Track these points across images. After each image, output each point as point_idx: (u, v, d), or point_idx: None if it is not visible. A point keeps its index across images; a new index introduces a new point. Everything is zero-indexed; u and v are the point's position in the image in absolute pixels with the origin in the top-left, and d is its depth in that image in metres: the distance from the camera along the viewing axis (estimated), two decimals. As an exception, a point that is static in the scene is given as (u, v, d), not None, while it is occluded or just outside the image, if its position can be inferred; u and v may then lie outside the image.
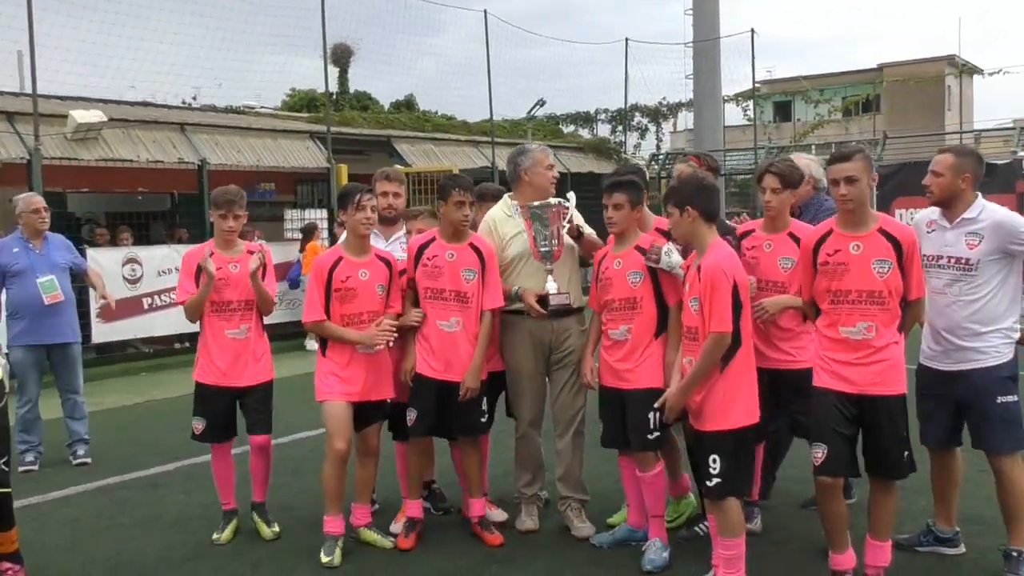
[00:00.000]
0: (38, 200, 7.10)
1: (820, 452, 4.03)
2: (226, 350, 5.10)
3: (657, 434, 4.50)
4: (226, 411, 5.17)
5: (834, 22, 80.00)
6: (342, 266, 4.83)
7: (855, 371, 4.01)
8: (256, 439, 5.19)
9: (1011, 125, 22.31)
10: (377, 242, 5.17)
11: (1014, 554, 4.28)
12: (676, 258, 4.36)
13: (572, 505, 5.10)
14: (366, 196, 4.83)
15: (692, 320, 4.07)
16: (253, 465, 5.25)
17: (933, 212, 4.46)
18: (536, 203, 4.79)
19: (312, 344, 11.24)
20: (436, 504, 5.50)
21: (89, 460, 7.02)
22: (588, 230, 5.04)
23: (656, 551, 4.55)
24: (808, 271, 4.22)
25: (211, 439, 5.18)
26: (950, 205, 4.34)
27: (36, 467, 6.88)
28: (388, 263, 4.94)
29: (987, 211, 4.32)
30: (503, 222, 5.08)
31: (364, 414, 4.90)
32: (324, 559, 4.73)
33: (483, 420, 5.01)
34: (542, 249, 4.77)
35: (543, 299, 4.81)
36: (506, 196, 5.22)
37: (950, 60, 38.24)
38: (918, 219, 4.56)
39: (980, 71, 37.29)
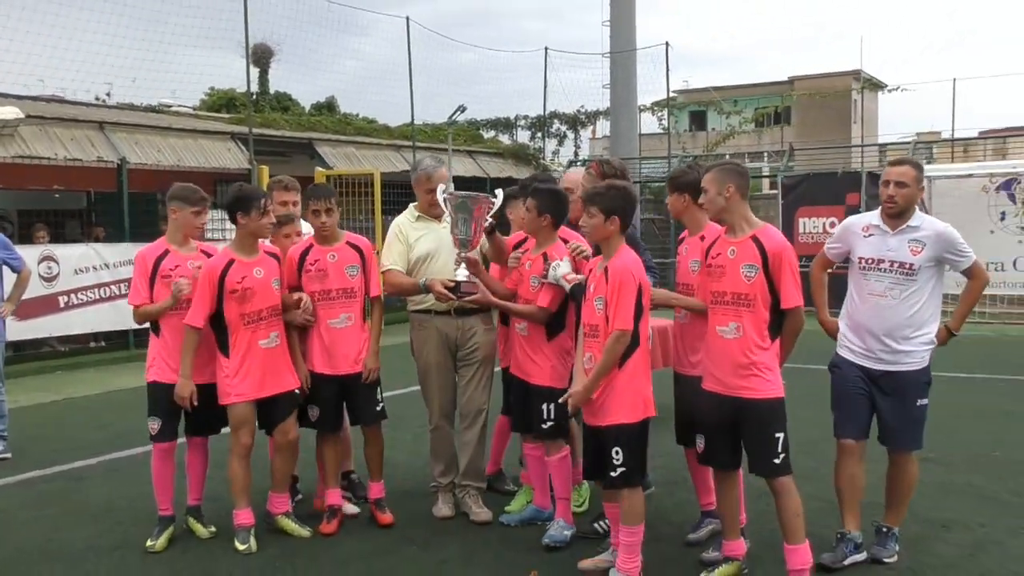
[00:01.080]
0: None
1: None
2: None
3: (552, 424, 4.87)
4: (178, 409, 5.11)
5: (748, 36, 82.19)
6: (235, 268, 4.94)
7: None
8: (198, 439, 5.25)
9: (913, 139, 23.50)
10: None
11: (884, 530, 4.71)
12: (562, 270, 4.71)
13: (471, 492, 5.46)
14: (268, 201, 5.09)
15: (594, 319, 4.32)
16: (191, 465, 5.26)
17: (871, 217, 4.72)
18: (464, 193, 5.05)
19: None
20: (356, 493, 5.78)
21: (9, 455, 7.09)
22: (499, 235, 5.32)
23: (558, 528, 4.94)
24: None
25: (166, 438, 5.12)
26: (904, 215, 4.59)
27: (-44, 462, 6.94)
28: (276, 257, 5.17)
29: (927, 221, 4.63)
30: (408, 227, 5.38)
31: (273, 409, 5.07)
32: (241, 547, 4.94)
33: (379, 409, 5.33)
34: (461, 236, 4.98)
35: (454, 286, 5.04)
36: (411, 205, 5.50)
37: (856, 75, 39.82)
38: (850, 223, 4.84)
39: (884, 86, 38.91)
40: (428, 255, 5.29)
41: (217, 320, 4.96)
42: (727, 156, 27.97)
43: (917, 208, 4.67)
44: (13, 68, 13.70)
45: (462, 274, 5.01)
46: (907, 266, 4.55)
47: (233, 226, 5.09)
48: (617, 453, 4.24)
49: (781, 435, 4.22)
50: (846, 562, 4.57)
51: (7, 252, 7.38)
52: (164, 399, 5.02)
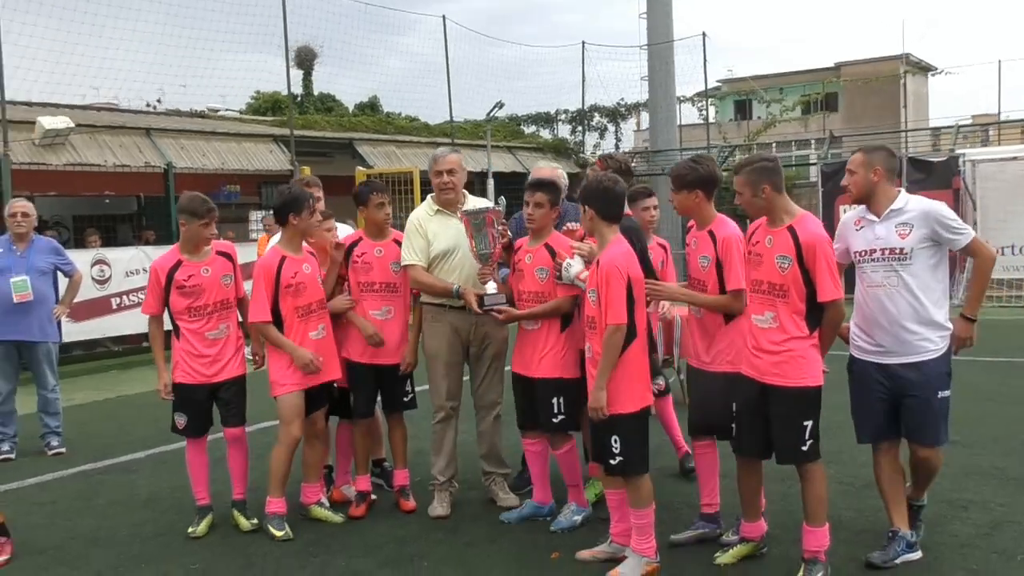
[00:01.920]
0: (18, 205, 7.49)
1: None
2: (207, 350, 5.29)
3: (563, 417, 4.97)
4: (204, 406, 5.36)
5: (792, 24, 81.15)
6: (288, 264, 5.19)
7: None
8: (232, 431, 5.42)
9: (967, 122, 23.10)
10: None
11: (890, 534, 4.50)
12: (575, 270, 4.75)
13: (496, 479, 5.62)
14: (315, 200, 5.35)
15: (591, 310, 4.40)
16: (232, 460, 5.44)
17: (861, 210, 4.59)
18: (472, 209, 5.19)
19: None
20: (388, 481, 5.97)
21: (63, 450, 7.43)
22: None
23: (569, 513, 5.10)
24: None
25: (194, 433, 5.36)
26: (871, 200, 4.49)
27: (12, 456, 7.30)
28: (314, 254, 5.43)
29: (913, 202, 4.45)
30: (426, 221, 5.46)
31: (312, 399, 5.31)
32: (278, 534, 5.14)
33: (408, 399, 5.61)
34: (481, 252, 5.13)
35: (480, 298, 5.17)
36: (429, 197, 5.61)
37: (905, 59, 39.16)
38: (845, 219, 4.75)
39: (933, 69, 38.25)
40: (447, 252, 5.38)
41: (272, 316, 5.20)
42: (772, 145, 27.79)
43: (902, 190, 4.54)
44: (63, 79, 14.19)
45: (492, 287, 5.15)
46: (898, 251, 4.40)
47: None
48: (615, 442, 4.32)
49: (810, 423, 4.22)
50: (898, 561, 4.42)
51: (59, 257, 7.73)
52: (189, 398, 5.30)
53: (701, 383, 4.82)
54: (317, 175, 15.40)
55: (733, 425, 4.51)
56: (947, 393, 4.42)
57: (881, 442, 4.54)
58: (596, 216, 4.44)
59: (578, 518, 5.10)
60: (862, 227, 4.56)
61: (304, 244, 5.40)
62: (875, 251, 4.48)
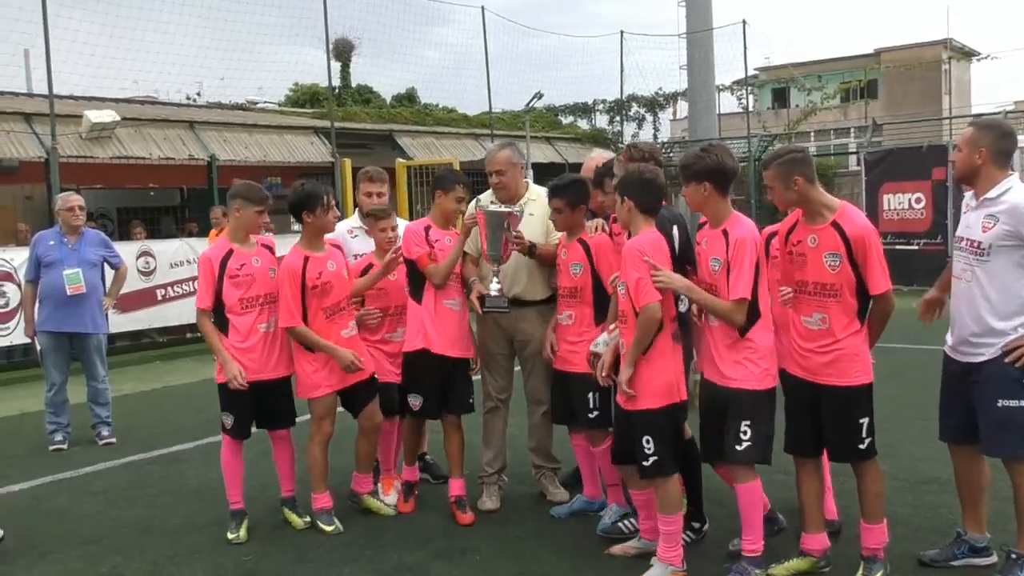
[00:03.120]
0: (74, 199, 7.60)
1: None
2: (257, 345, 5.13)
3: (597, 413, 4.85)
4: (252, 406, 5.21)
5: (830, 9, 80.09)
6: (312, 264, 5.07)
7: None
8: (280, 432, 5.36)
9: (1011, 108, 22.62)
10: (363, 242, 5.67)
11: (1013, 556, 4.14)
12: (602, 343, 4.59)
13: (546, 474, 5.59)
14: (332, 197, 5.22)
15: (623, 304, 4.28)
16: (278, 457, 5.38)
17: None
18: (491, 208, 5.07)
19: None
20: (434, 473, 5.96)
21: (114, 440, 7.53)
22: (546, 241, 5.30)
23: (611, 515, 4.98)
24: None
25: (238, 434, 5.23)
26: (972, 182, 4.16)
27: (65, 446, 7.41)
28: (338, 247, 5.35)
29: (1012, 192, 4.02)
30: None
31: (356, 396, 5.25)
32: (328, 528, 5.15)
33: (471, 400, 5.40)
34: (491, 253, 5.08)
35: (482, 299, 5.14)
36: (489, 192, 5.56)
37: (946, 44, 38.51)
38: (967, 198, 4.35)
39: (976, 54, 37.57)
40: None
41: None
42: (811, 133, 27.44)
43: (1009, 175, 4.08)
44: (109, 72, 14.38)
45: (495, 289, 5.12)
46: (976, 245, 4.08)
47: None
48: (648, 442, 4.19)
49: (866, 420, 4.11)
50: (954, 563, 4.29)
51: (107, 250, 7.82)
52: (236, 398, 5.11)
53: (718, 399, 4.32)
54: (357, 167, 15.53)
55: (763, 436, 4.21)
56: (1017, 403, 4.00)
57: (955, 442, 4.33)
58: (634, 208, 4.30)
59: (615, 519, 4.98)
60: (966, 211, 4.26)
61: (328, 237, 5.30)
62: (962, 240, 4.21)
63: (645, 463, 4.22)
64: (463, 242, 5.26)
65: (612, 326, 4.56)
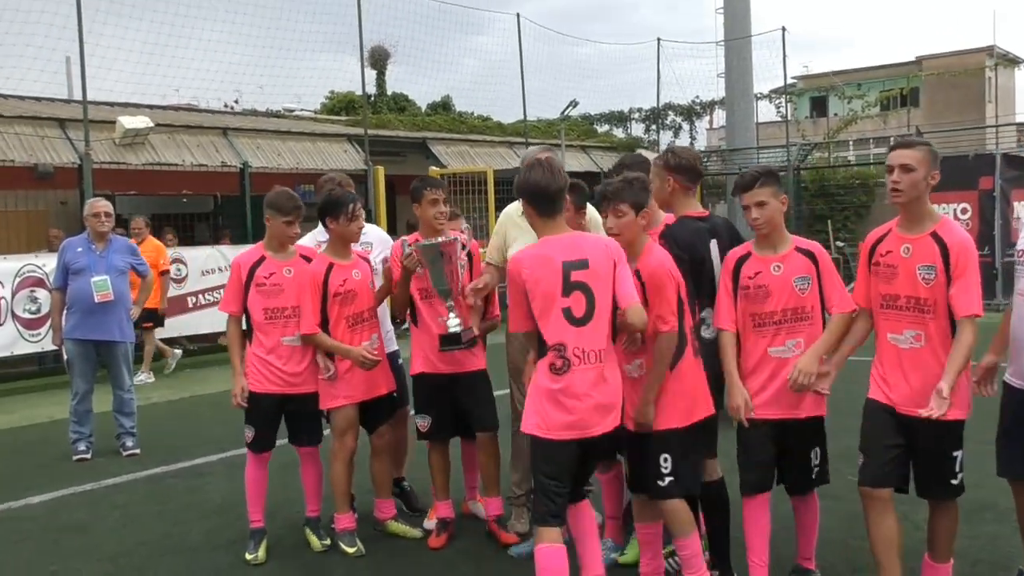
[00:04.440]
0: (100, 205, 7.51)
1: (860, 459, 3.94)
2: (282, 357, 4.99)
3: (671, 480, 4.07)
4: (275, 420, 5.10)
5: (871, 17, 79.16)
6: (336, 271, 4.93)
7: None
8: (307, 450, 5.20)
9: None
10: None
11: None
12: None
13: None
14: (358, 205, 5.01)
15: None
16: (305, 475, 5.22)
17: None
18: (422, 243, 4.79)
19: (141, 378, 10.81)
20: (410, 503, 5.65)
21: (138, 451, 7.41)
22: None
23: (604, 551, 4.39)
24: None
25: (260, 447, 5.09)
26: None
27: (88, 456, 7.31)
28: (366, 259, 5.17)
29: None
30: (509, 222, 5.07)
31: (372, 412, 5.08)
32: (350, 550, 4.95)
33: (496, 413, 5.16)
34: (437, 287, 4.79)
35: (455, 337, 4.79)
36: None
37: (989, 51, 37.80)
38: (1018, 209, 4.16)
39: (1021, 61, 36.82)
40: None
41: (321, 326, 4.94)
42: (850, 142, 27.00)
43: None
44: (153, 80, 14.45)
45: (453, 324, 4.78)
46: None
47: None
48: (665, 460, 3.89)
49: (959, 454, 3.78)
50: None
51: (135, 258, 7.74)
52: (258, 409, 4.99)
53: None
54: (391, 175, 15.50)
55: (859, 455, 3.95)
56: None
57: (1019, 476, 3.99)
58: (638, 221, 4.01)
59: (614, 555, 4.64)
60: None
61: (355, 248, 5.15)
62: (1022, 252, 3.97)
63: (661, 483, 3.92)
64: (403, 283, 4.94)
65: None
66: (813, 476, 4.14)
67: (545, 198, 3.86)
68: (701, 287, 4.20)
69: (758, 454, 4.06)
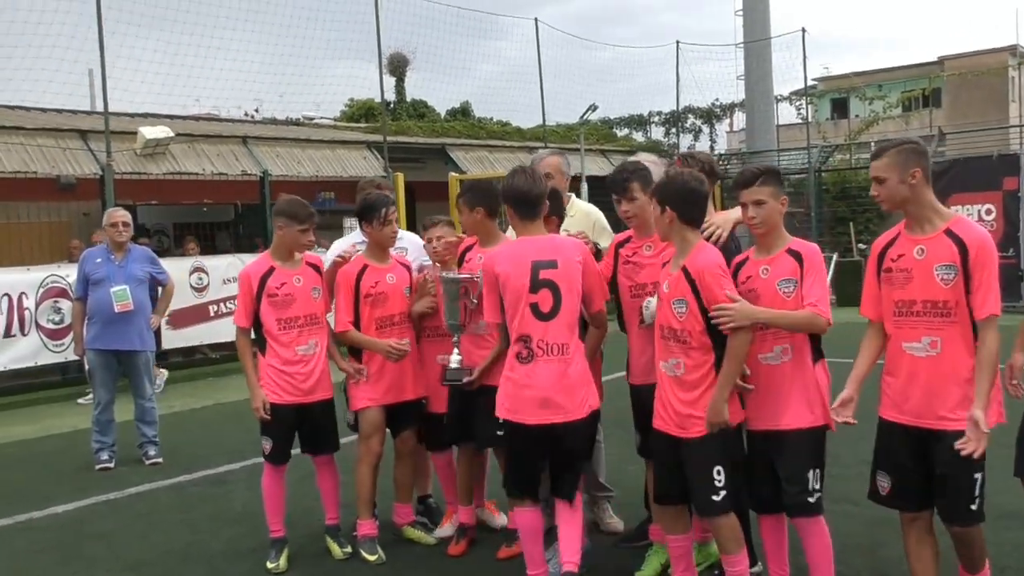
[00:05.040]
0: (118, 215, 7.55)
1: (885, 483, 3.76)
2: (296, 367, 4.96)
3: (724, 495, 3.93)
4: (291, 431, 5.06)
5: (892, 17, 78.68)
6: (368, 273, 4.97)
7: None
8: (322, 458, 5.17)
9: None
10: None
11: None
12: (652, 308, 4.16)
13: (599, 502, 5.31)
14: (392, 210, 5.02)
15: (679, 323, 3.85)
16: (322, 482, 5.20)
17: None
18: (449, 276, 4.77)
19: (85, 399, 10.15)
20: (434, 519, 5.57)
21: (160, 460, 7.45)
22: None
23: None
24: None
25: (278, 459, 5.05)
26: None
27: (111, 465, 7.35)
28: (407, 267, 5.18)
29: None
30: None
31: (398, 417, 5.07)
32: (371, 558, 4.95)
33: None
34: (449, 323, 4.79)
35: (443, 370, 4.81)
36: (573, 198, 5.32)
37: (1012, 50, 37.42)
38: None
39: (1045, 61, 36.44)
40: None
41: (353, 325, 5.00)
42: (872, 144, 26.79)
43: None
44: (174, 90, 14.55)
45: (455, 361, 4.75)
46: None
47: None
48: (719, 473, 3.77)
49: (980, 475, 3.53)
50: None
51: (154, 267, 7.77)
52: (275, 420, 4.94)
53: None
54: (410, 181, 15.52)
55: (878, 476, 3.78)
56: None
57: None
58: (677, 219, 3.89)
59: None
60: None
61: (397, 256, 5.17)
62: None
63: (715, 498, 3.78)
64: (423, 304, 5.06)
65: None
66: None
67: (526, 202, 4.21)
68: None
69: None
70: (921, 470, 3.63)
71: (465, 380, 4.71)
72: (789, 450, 3.83)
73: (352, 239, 5.56)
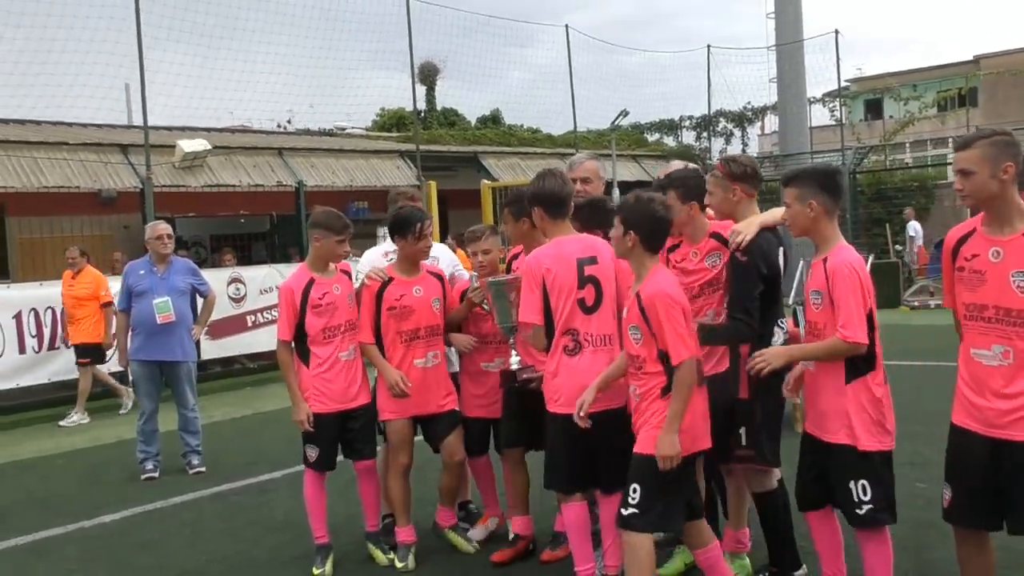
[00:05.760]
0: (161, 228, 7.69)
1: (948, 493, 3.61)
2: (340, 374, 5.03)
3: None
4: (336, 438, 5.12)
5: (925, 17, 77.86)
6: (393, 286, 4.99)
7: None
8: (363, 464, 5.18)
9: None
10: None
11: None
12: None
13: None
14: (427, 224, 5.03)
15: (633, 348, 3.91)
16: (364, 491, 5.23)
17: None
18: (498, 279, 4.76)
19: (74, 419, 10.32)
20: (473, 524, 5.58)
21: (203, 469, 7.55)
22: None
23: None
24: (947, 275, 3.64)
25: (322, 467, 5.10)
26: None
27: (156, 474, 7.46)
28: (440, 277, 5.18)
29: None
30: None
31: (433, 428, 5.10)
32: (399, 564, 5.01)
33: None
34: (504, 325, 4.74)
35: (511, 374, 4.76)
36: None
37: (1051, 48, 36.84)
38: None
39: (1083, 58, 35.80)
40: None
41: (375, 339, 5.04)
42: (906, 144, 26.56)
43: None
44: (211, 104, 14.75)
45: (515, 362, 4.74)
46: None
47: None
48: (634, 491, 3.81)
49: None
50: None
51: (196, 278, 7.89)
52: (322, 429, 5.00)
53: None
54: (443, 189, 15.61)
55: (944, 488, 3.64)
56: None
57: None
58: (639, 243, 3.88)
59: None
60: None
61: (428, 266, 5.18)
62: None
63: (624, 511, 3.84)
64: (462, 316, 5.17)
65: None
66: None
67: (559, 202, 4.37)
68: (776, 297, 4.25)
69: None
70: (989, 487, 3.42)
71: (536, 375, 4.66)
72: (831, 461, 3.79)
73: (384, 248, 5.58)
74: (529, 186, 4.53)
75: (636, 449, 3.87)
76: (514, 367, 4.74)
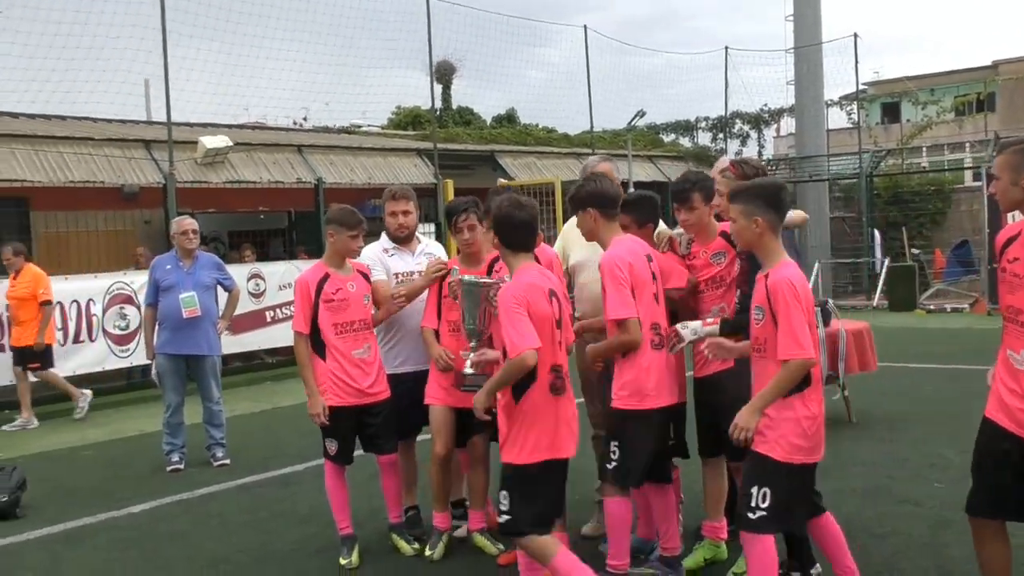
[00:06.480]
0: (187, 223, 7.82)
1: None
2: (355, 369, 5.14)
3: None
4: (354, 432, 5.26)
5: (944, 21, 77.47)
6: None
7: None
8: (385, 457, 5.30)
9: None
10: (400, 260, 5.55)
11: None
12: (691, 328, 4.35)
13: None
14: (462, 217, 5.10)
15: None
16: (386, 484, 5.35)
17: None
18: (471, 279, 4.74)
19: (19, 422, 9.92)
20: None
21: (228, 461, 7.67)
22: None
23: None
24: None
25: (341, 460, 5.23)
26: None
27: (182, 466, 7.59)
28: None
29: None
30: (571, 229, 5.11)
31: (467, 422, 5.11)
32: (427, 552, 5.12)
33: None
34: (468, 327, 4.71)
35: (460, 376, 4.82)
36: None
37: (1070, 53, 36.67)
38: None
39: (1103, 63, 35.61)
40: (582, 263, 5.14)
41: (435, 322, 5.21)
42: (923, 148, 26.50)
43: None
44: (232, 100, 14.88)
45: (468, 368, 4.73)
46: None
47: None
48: (504, 497, 4.04)
49: None
50: None
51: (221, 273, 8.01)
52: (339, 422, 5.12)
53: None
54: (459, 187, 15.68)
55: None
56: None
57: None
58: (500, 244, 4.19)
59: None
60: None
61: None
62: None
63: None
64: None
65: (711, 319, 4.35)
66: None
67: (612, 202, 4.50)
68: None
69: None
70: (1013, 479, 3.43)
71: (468, 386, 4.70)
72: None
73: (383, 244, 5.68)
74: (583, 187, 4.56)
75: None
76: (467, 371, 4.74)
